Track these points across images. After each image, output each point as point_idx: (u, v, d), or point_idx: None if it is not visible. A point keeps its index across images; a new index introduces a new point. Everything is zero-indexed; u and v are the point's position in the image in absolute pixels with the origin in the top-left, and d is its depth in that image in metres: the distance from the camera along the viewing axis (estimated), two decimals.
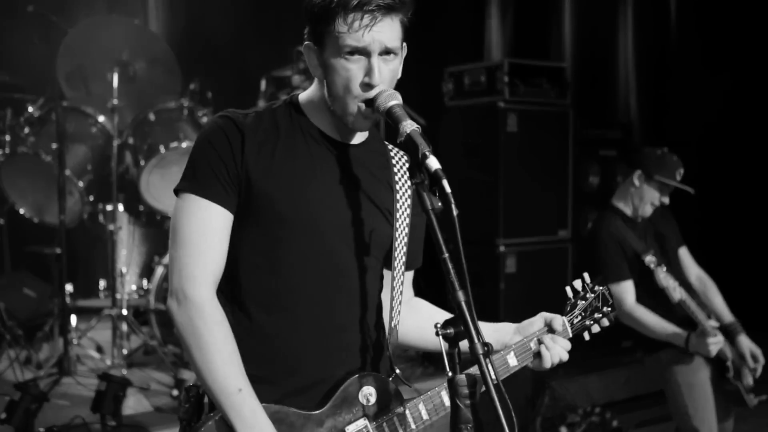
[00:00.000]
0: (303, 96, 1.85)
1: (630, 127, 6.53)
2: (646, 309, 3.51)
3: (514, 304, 5.13)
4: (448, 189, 1.52)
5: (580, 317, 2.07)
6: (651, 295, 3.52)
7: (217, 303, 1.69)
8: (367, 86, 1.70)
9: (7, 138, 4.77)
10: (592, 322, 2.08)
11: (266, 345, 1.73)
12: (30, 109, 4.84)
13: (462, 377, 1.53)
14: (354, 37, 1.68)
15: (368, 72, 1.70)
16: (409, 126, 1.63)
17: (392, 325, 1.84)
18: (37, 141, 4.75)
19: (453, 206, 1.51)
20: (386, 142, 1.94)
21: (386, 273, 1.91)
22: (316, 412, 1.74)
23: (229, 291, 1.75)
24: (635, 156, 3.81)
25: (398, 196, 1.85)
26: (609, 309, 2.11)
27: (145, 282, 5.11)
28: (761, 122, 6.61)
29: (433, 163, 1.56)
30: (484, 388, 1.46)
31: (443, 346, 1.56)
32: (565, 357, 1.96)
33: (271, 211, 1.72)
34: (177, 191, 1.75)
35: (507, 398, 1.45)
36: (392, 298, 1.83)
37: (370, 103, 1.71)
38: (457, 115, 5.51)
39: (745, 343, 3.61)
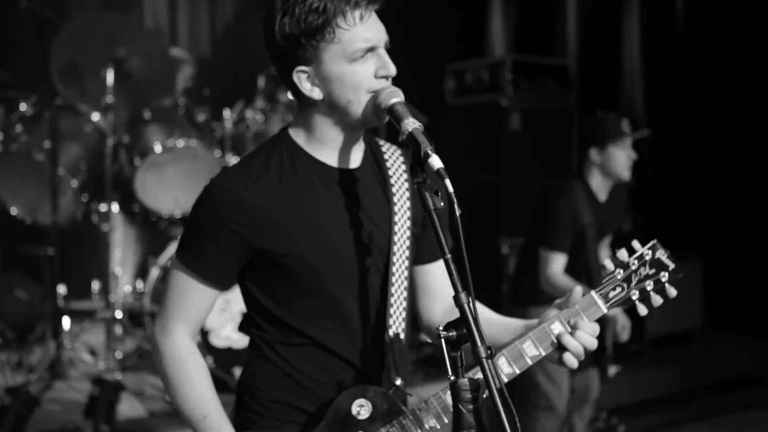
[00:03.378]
0: (294, 128, 1.83)
1: (636, 125, 6.53)
2: (569, 278, 3.55)
3: None
4: (450, 189, 1.53)
5: (619, 289, 1.78)
6: (574, 273, 3.61)
7: (184, 344, 1.80)
8: (383, 78, 1.71)
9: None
10: (637, 293, 1.79)
11: (305, 385, 1.80)
12: (23, 106, 4.84)
13: (465, 381, 1.53)
14: (363, 34, 1.68)
15: (382, 65, 1.71)
16: (411, 124, 1.63)
17: (393, 332, 1.84)
18: (29, 139, 4.75)
19: (456, 206, 1.52)
20: (379, 140, 1.94)
21: (421, 273, 1.95)
22: None
23: (265, 333, 1.83)
24: (582, 137, 3.90)
25: (396, 199, 1.86)
26: (666, 275, 1.80)
27: (139, 284, 5.11)
28: None
29: (436, 162, 1.56)
30: (486, 393, 1.46)
31: (445, 348, 1.56)
32: (592, 344, 1.76)
33: (290, 267, 1.75)
34: (176, 253, 1.84)
35: (510, 403, 1.46)
36: (390, 304, 1.83)
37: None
38: (459, 114, 5.52)
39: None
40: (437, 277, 1.97)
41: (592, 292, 1.79)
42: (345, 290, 1.80)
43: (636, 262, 1.80)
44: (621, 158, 3.68)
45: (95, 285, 5.46)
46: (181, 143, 4.75)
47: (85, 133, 4.92)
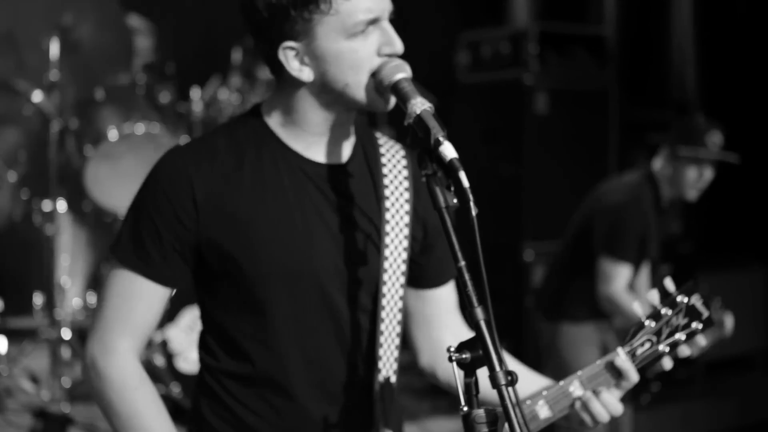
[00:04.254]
0: (268, 107, 1.82)
1: (686, 106, 6.55)
2: (632, 296, 3.60)
3: None
4: (465, 183, 1.53)
5: (648, 344, 1.84)
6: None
7: (132, 368, 1.79)
8: (388, 56, 1.71)
9: None
10: (668, 348, 1.85)
11: (257, 414, 1.80)
12: None
13: (480, 413, 1.54)
14: (364, 3, 1.67)
15: (387, 41, 1.71)
16: (419, 105, 1.63)
17: (384, 376, 1.85)
18: None
19: (471, 204, 1.52)
20: (376, 135, 1.94)
21: (422, 299, 1.97)
22: None
23: (214, 360, 1.84)
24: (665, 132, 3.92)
25: (389, 215, 1.85)
26: (699, 325, 1.87)
27: (91, 297, 5.13)
28: None
29: (449, 151, 1.56)
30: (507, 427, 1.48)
31: (457, 374, 1.57)
32: (617, 410, 1.83)
33: (245, 272, 1.75)
34: (111, 251, 1.82)
35: None
36: (380, 343, 1.84)
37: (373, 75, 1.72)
38: (474, 93, 5.53)
39: None
40: (443, 303, 1.99)
41: (619, 350, 1.84)
42: (317, 318, 1.79)
43: (670, 311, 1.85)
44: (690, 175, 3.67)
45: (37, 299, 5.46)
46: (140, 129, 4.76)
47: (24, 117, 4.93)
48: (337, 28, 1.69)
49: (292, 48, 1.72)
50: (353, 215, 1.81)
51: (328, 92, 1.75)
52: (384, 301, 1.83)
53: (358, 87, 1.72)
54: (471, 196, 1.53)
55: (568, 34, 5.49)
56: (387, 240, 1.83)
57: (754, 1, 6.99)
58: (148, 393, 1.79)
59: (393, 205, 1.86)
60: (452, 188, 1.58)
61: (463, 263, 1.54)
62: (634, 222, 3.65)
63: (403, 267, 1.86)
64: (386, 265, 1.83)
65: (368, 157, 1.88)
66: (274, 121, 1.80)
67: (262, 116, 1.81)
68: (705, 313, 1.88)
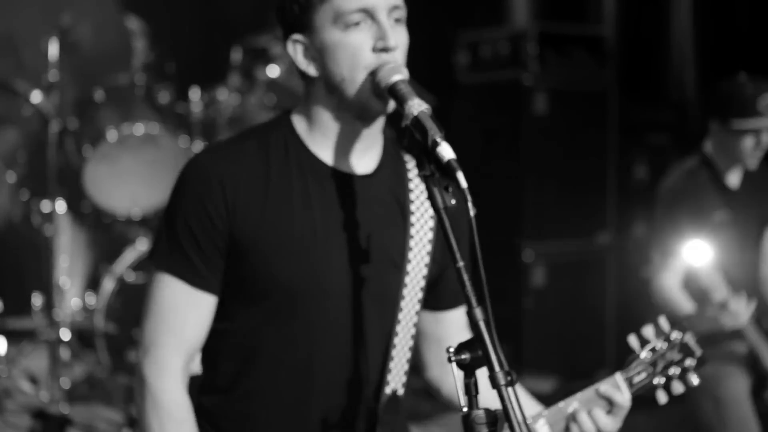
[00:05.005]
0: (297, 113, 1.83)
1: (685, 107, 6.55)
2: (684, 296, 3.40)
3: (541, 325, 5.14)
4: (464, 183, 1.54)
5: (644, 374, 1.91)
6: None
7: (182, 397, 1.76)
8: (381, 51, 1.71)
9: None
10: (663, 380, 1.93)
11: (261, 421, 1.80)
12: None
13: (480, 413, 1.55)
14: None
15: (380, 35, 1.70)
16: (416, 106, 1.64)
17: (392, 389, 1.85)
18: None
19: (470, 204, 1.53)
20: (404, 154, 1.93)
21: (434, 321, 1.97)
22: None
23: (216, 370, 1.83)
24: (709, 101, 3.69)
25: (413, 241, 1.84)
26: (692, 362, 1.95)
27: (90, 298, 5.12)
28: None
29: (446, 152, 1.57)
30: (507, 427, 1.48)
31: (457, 374, 1.57)
32: (608, 427, 1.85)
33: (260, 279, 1.75)
34: (150, 260, 1.80)
35: None
36: (391, 357, 1.84)
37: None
38: (473, 94, 5.53)
39: None
40: (455, 323, 2.00)
41: (617, 375, 1.88)
42: (331, 329, 1.79)
43: (665, 345, 1.92)
44: (747, 145, 3.41)
45: (36, 299, 5.45)
46: (139, 129, 4.76)
47: (23, 117, 4.92)
48: (331, 17, 1.70)
49: (299, 42, 1.74)
50: (377, 229, 1.81)
51: (332, 90, 1.75)
52: (400, 316, 1.84)
53: (353, 83, 1.73)
54: (469, 197, 1.53)
55: (567, 35, 5.49)
56: (408, 266, 1.84)
57: (753, 1, 6.99)
58: (190, 429, 1.77)
59: (418, 227, 1.86)
60: (450, 189, 1.59)
61: (462, 263, 1.55)
62: (676, 210, 3.42)
63: (421, 291, 1.87)
64: (407, 281, 1.84)
65: (395, 174, 1.88)
66: (301, 127, 1.81)
67: (291, 121, 1.82)
68: (698, 352, 1.95)
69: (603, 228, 5.48)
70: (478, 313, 1.53)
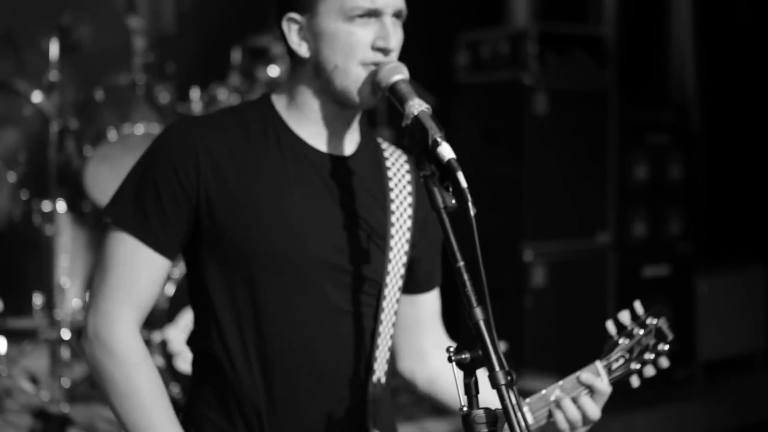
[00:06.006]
0: (277, 93, 1.85)
1: (686, 107, 6.55)
2: None
3: (541, 325, 5.14)
4: (464, 183, 1.54)
5: (622, 360, 1.94)
6: None
7: (136, 342, 1.76)
8: (380, 51, 1.73)
9: None
10: (638, 365, 1.95)
11: (242, 402, 1.78)
12: None
13: (480, 413, 1.55)
14: None
15: (383, 35, 1.72)
16: (416, 106, 1.65)
17: (377, 377, 1.84)
18: None
19: (470, 204, 1.53)
20: (379, 140, 1.95)
21: (410, 304, 1.96)
22: None
23: (200, 341, 1.82)
24: None
25: (394, 219, 1.85)
26: (665, 347, 1.98)
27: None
28: None
29: (446, 151, 1.58)
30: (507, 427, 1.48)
31: (457, 374, 1.57)
32: (594, 414, 1.85)
33: (238, 249, 1.75)
34: (107, 216, 1.79)
35: None
36: (377, 345, 1.84)
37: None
38: (473, 94, 5.53)
39: None
40: (429, 307, 2.01)
41: (597, 363, 1.91)
42: (307, 307, 1.78)
43: (641, 331, 1.95)
44: None
45: (37, 299, 5.46)
46: (140, 129, 4.76)
47: (23, 117, 4.93)
48: (337, 7, 1.72)
49: (295, 21, 1.76)
50: (356, 211, 1.82)
51: (320, 74, 1.77)
52: (384, 303, 1.83)
53: (345, 73, 1.74)
54: (469, 197, 1.54)
55: (567, 35, 5.49)
56: (391, 242, 1.84)
57: (753, 1, 6.99)
58: (150, 370, 1.77)
59: (398, 208, 1.87)
60: (450, 189, 1.59)
61: (461, 263, 1.55)
62: None
63: (403, 270, 1.87)
64: (389, 267, 1.84)
65: (373, 158, 1.89)
66: (281, 105, 1.83)
67: (270, 100, 1.84)
68: (670, 336, 1.98)
69: (603, 228, 5.48)
70: (479, 312, 1.52)
